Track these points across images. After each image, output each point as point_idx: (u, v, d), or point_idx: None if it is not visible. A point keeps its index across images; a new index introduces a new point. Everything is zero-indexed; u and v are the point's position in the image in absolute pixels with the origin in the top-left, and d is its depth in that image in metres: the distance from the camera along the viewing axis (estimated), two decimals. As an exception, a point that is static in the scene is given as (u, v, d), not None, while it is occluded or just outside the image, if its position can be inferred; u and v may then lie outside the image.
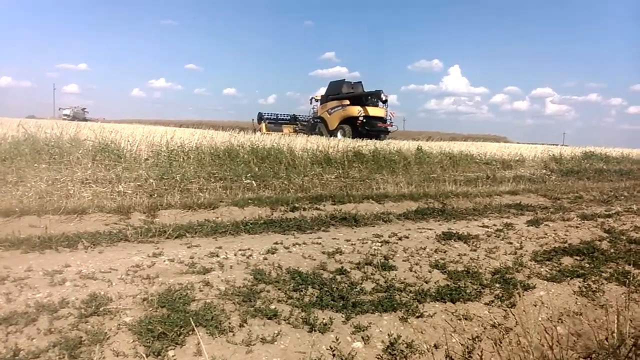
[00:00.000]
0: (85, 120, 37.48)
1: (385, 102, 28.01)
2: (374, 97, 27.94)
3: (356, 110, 26.65)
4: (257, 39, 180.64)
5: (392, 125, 28.56)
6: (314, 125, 29.94)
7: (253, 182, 8.19)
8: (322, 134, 25.42)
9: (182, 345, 2.82)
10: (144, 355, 2.66)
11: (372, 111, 27.10)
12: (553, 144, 39.94)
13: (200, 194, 7.03)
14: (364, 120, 26.49)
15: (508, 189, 10.00)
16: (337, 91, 29.57)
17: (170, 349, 2.77)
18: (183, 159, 9.40)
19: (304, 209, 6.77)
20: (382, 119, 27.76)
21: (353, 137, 20.26)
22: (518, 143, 42.30)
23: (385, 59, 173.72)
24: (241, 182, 8.13)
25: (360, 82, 30.37)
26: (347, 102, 27.87)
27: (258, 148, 10.81)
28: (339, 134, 25.74)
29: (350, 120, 27.02)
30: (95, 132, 9.90)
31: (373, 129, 26.54)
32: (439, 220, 6.80)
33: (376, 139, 21.88)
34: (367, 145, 13.73)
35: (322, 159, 11.25)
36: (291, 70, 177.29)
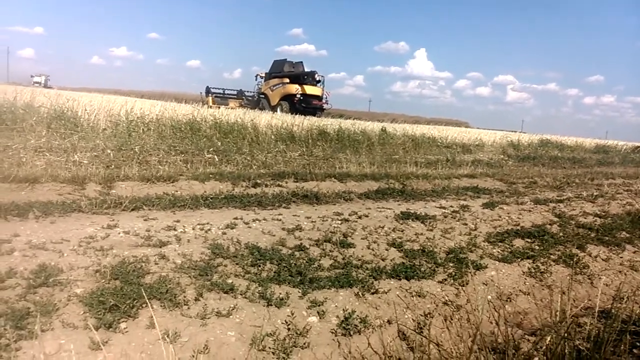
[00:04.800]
0: (50, 88, 35.84)
1: (319, 82, 29.47)
2: (310, 77, 29.23)
3: (294, 88, 28.01)
4: (223, 11, 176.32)
5: (327, 104, 29.93)
6: (258, 101, 30.97)
7: (215, 156, 8.07)
8: (264, 109, 26.19)
9: (134, 317, 2.78)
10: (95, 327, 2.61)
11: (309, 89, 28.36)
12: (512, 131, 41.10)
13: (160, 166, 6.88)
14: (301, 98, 27.78)
15: (466, 173, 10.25)
16: (279, 69, 30.70)
17: (123, 321, 2.72)
18: (143, 130, 9.15)
19: (266, 186, 6.74)
20: (318, 97, 29.09)
21: (290, 113, 21.72)
22: (478, 128, 43.33)
23: (353, 38, 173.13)
24: (203, 156, 8.00)
25: (301, 62, 31.67)
26: (287, 80, 29.03)
27: (221, 123, 10.64)
28: (278, 110, 26.53)
29: (288, 97, 28.23)
30: (51, 100, 9.49)
31: (309, 106, 27.71)
32: (398, 201, 6.91)
33: (312, 115, 22.56)
34: (331, 124, 13.72)
35: (286, 137, 11.19)
36: (258, 45, 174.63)
